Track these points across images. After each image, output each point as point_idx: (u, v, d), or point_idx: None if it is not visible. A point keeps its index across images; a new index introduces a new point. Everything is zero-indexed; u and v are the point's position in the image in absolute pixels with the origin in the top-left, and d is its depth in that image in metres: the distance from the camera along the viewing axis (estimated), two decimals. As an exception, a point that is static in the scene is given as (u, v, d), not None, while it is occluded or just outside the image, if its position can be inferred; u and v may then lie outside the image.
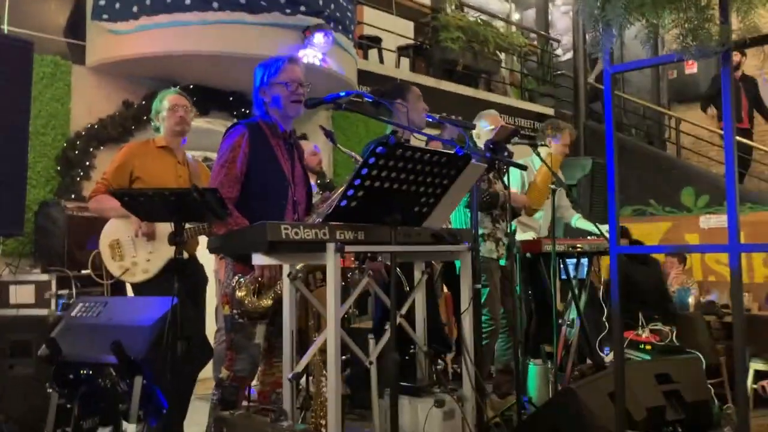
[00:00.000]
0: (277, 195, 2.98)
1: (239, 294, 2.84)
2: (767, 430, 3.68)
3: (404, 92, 3.68)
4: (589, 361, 5.02)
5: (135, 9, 4.77)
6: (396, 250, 2.57)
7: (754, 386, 4.96)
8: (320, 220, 2.94)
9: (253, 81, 3.06)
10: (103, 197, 3.46)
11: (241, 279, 2.87)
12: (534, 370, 4.22)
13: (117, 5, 4.83)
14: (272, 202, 2.96)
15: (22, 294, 4.02)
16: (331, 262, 2.37)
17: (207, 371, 4.63)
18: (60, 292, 4.01)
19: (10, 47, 2.55)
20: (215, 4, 4.77)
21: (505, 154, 3.37)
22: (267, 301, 2.85)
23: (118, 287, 4.27)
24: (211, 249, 2.60)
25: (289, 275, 2.62)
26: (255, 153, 2.94)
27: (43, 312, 3.95)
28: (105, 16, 4.87)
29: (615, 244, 2.88)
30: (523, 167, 3.41)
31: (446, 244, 2.86)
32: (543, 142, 4.70)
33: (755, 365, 5.10)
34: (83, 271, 4.17)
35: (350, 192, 2.44)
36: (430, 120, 3.46)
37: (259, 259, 2.67)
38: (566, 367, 4.65)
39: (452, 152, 2.62)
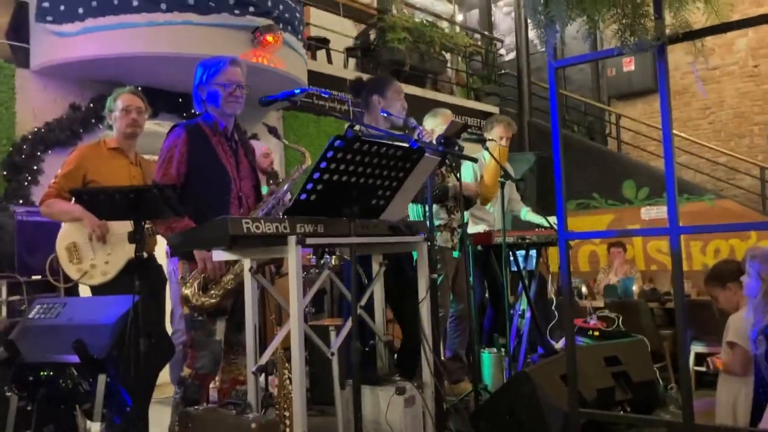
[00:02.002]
0: (220, 191, 3.00)
1: (186, 291, 2.84)
2: (709, 408, 3.88)
3: (383, 87, 3.65)
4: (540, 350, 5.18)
5: (81, 11, 4.72)
6: (355, 242, 2.63)
7: (696, 368, 5.19)
8: (263, 213, 2.99)
9: (193, 78, 3.08)
10: (54, 201, 3.42)
11: (187, 276, 2.88)
12: (488, 358, 4.34)
13: (62, 7, 4.76)
14: (216, 198, 2.97)
15: (-30, 301, 3.94)
16: (293, 254, 2.42)
17: (163, 376, 4.60)
18: (11, 298, 3.95)
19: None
20: (163, 6, 4.75)
21: (456, 148, 3.48)
22: (214, 299, 2.85)
23: (71, 292, 4.23)
24: (173, 246, 2.62)
25: (250, 269, 2.66)
26: (194, 153, 2.97)
27: (-7, 319, 3.90)
28: (49, 18, 4.80)
29: (563, 229, 3.01)
30: (473, 159, 3.52)
31: (403, 236, 2.95)
32: (490, 137, 4.82)
33: (696, 348, 5.33)
34: (34, 277, 4.12)
35: (309, 185, 2.49)
36: (412, 126, 3.49)
37: (219, 255, 2.70)
38: (518, 356, 4.80)
39: (407, 145, 2.70)
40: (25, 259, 4.17)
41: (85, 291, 4.00)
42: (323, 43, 8.21)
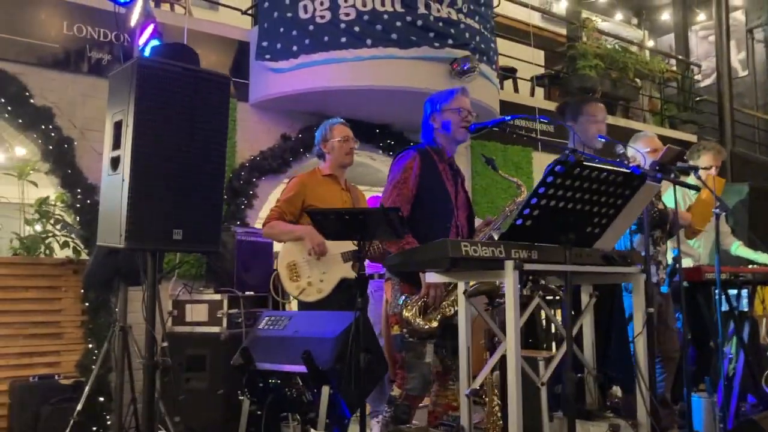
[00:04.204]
0: (442, 218, 3.08)
1: (406, 314, 2.94)
2: None
3: (588, 106, 3.54)
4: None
5: (295, 48, 5.11)
6: (570, 270, 2.57)
7: None
8: (487, 237, 3.02)
9: (424, 111, 3.20)
10: (277, 223, 3.69)
11: (408, 299, 2.98)
12: (700, 402, 4.02)
13: (278, 45, 5.19)
14: (438, 224, 3.05)
15: (196, 312, 4.33)
16: (510, 279, 2.41)
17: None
18: (230, 311, 4.28)
19: (212, 81, 2.81)
20: (369, 41, 5.02)
21: (672, 175, 3.30)
22: (433, 323, 2.94)
23: (277, 309, 4.53)
24: (391, 266, 2.72)
25: (464, 293, 2.69)
26: (424, 176, 3.07)
27: (215, 329, 4.23)
28: (267, 56, 5.24)
29: (803, 266, 2.74)
30: (695, 188, 3.31)
31: (618, 266, 2.83)
32: (701, 165, 4.53)
33: None
34: (248, 293, 4.45)
35: (526, 211, 2.48)
36: (620, 152, 3.40)
37: (433, 277, 2.76)
38: (729, 403, 4.40)
39: (629, 171, 2.61)
40: (242, 276, 4.52)
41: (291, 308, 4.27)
42: (510, 72, 8.22)
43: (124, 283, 3.69)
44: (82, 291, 4.53)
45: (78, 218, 4.62)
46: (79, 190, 4.61)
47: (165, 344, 4.07)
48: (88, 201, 4.59)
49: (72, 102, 4.76)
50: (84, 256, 4.57)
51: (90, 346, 4.50)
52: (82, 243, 4.59)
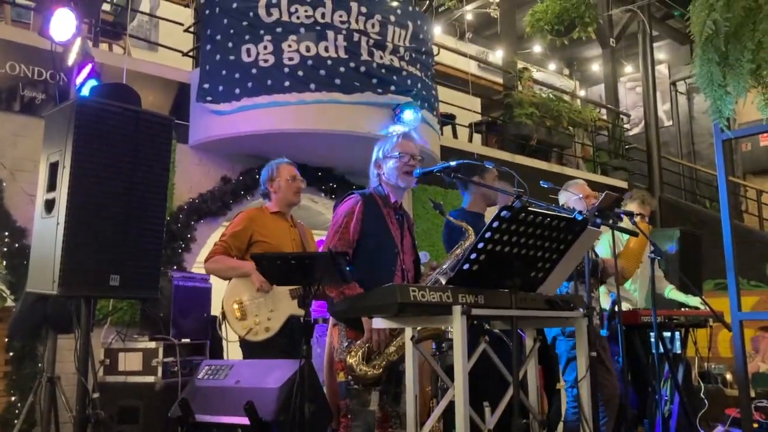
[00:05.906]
0: (386, 262, 3.06)
1: (350, 360, 2.88)
2: None
3: (483, 172, 3.78)
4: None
5: (237, 91, 5.07)
6: (517, 314, 2.58)
7: None
8: (433, 281, 3.00)
9: (371, 156, 3.20)
10: (221, 258, 3.60)
11: (352, 344, 2.93)
12: (640, 445, 4.07)
13: (220, 87, 5.14)
14: (382, 268, 3.03)
15: (130, 361, 4.14)
16: (458, 324, 2.40)
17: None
18: (165, 359, 4.11)
19: (154, 123, 2.75)
20: (312, 86, 5.03)
21: (611, 221, 3.39)
22: (378, 369, 2.88)
23: (215, 354, 4.39)
24: (337, 312, 2.67)
25: (412, 338, 2.66)
26: (367, 221, 3.05)
27: (150, 379, 4.05)
28: (209, 98, 5.18)
29: (737, 309, 2.84)
30: (634, 233, 3.41)
31: (561, 311, 2.86)
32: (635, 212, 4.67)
33: None
34: (184, 340, 4.30)
35: (473, 255, 2.49)
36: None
37: (380, 323, 2.72)
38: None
39: (572, 216, 2.66)
40: (178, 323, 4.35)
41: (232, 353, 4.14)
42: (449, 118, 8.39)
43: (53, 331, 3.51)
44: (6, 340, 4.28)
45: (4, 262, 4.40)
46: (6, 233, 4.39)
47: (96, 395, 3.88)
48: (17, 244, 4.38)
49: (2, 141, 4.57)
50: (10, 302, 4.33)
51: (13, 398, 4.24)
52: (8, 288, 4.35)
